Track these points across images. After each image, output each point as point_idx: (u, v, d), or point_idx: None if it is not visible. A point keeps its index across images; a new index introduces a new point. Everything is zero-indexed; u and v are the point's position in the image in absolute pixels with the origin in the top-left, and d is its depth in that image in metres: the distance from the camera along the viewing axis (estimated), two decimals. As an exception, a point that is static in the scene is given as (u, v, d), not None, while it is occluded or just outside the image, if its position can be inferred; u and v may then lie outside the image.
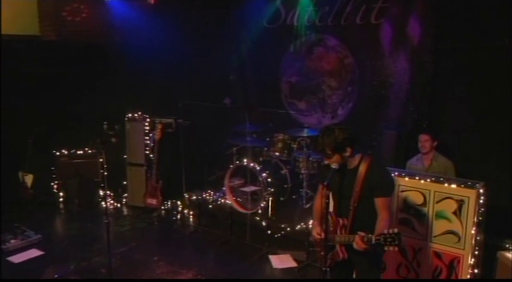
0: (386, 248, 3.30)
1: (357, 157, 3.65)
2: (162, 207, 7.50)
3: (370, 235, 3.37)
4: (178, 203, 7.53)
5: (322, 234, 3.60)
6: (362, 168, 3.58)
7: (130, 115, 7.58)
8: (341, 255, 3.71)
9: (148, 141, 7.51)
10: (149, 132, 7.51)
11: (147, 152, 7.50)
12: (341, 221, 3.70)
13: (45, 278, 5.42)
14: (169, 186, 7.50)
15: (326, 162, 3.67)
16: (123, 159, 7.59)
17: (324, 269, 3.59)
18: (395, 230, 3.28)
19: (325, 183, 3.54)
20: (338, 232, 3.70)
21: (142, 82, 7.79)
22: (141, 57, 7.47)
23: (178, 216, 7.30)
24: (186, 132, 7.42)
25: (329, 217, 3.71)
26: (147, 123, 7.53)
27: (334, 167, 3.57)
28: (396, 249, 3.28)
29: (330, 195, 3.67)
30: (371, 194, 3.57)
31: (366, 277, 3.77)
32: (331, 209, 3.82)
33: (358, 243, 3.44)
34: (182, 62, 7.79)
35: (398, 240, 3.24)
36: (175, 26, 7.75)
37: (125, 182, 7.69)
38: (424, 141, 5.78)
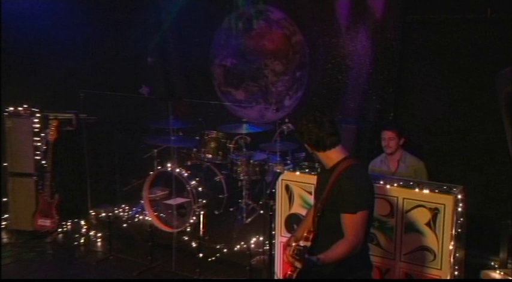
0: (295, 264, 3.32)
1: (335, 156, 3.65)
2: (59, 230, 7.31)
3: (294, 245, 3.39)
4: (82, 222, 7.38)
5: (294, 243, 3.57)
6: (336, 171, 3.60)
7: (11, 109, 7.30)
8: (288, 272, 3.67)
9: (39, 144, 7.29)
10: (40, 132, 7.29)
11: (38, 158, 7.28)
12: (306, 233, 3.70)
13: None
14: (68, 201, 7.35)
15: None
16: (1, 167, 7.34)
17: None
18: (308, 244, 3.37)
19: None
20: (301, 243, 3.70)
21: (30, 65, 7.59)
22: (28, 33, 7.33)
23: (82, 241, 7.15)
24: (90, 131, 7.30)
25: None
26: (36, 120, 7.28)
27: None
28: (299, 265, 3.29)
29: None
30: (336, 207, 3.56)
31: None
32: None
33: (284, 254, 3.47)
34: (84, 41, 7.69)
35: (299, 254, 3.27)
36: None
37: (5, 199, 7.43)
38: (389, 139, 5.81)
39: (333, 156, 3.65)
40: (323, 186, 3.66)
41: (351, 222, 3.50)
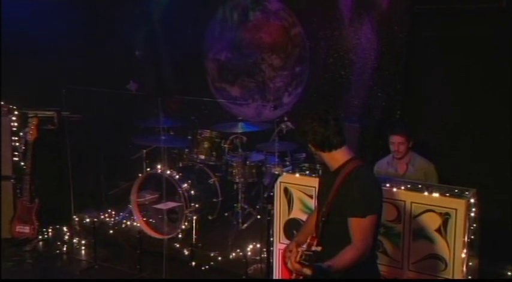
0: (303, 270, 3.29)
1: (340, 157, 3.66)
2: (40, 237, 7.26)
3: (301, 250, 3.35)
4: (64, 229, 7.36)
5: (294, 249, 3.56)
6: (342, 173, 3.61)
7: (-14, 106, 7.29)
8: (293, 276, 3.68)
9: (17, 144, 7.26)
10: (18, 131, 7.26)
11: (16, 159, 7.26)
12: (309, 238, 3.73)
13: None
14: (49, 206, 7.29)
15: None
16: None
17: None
18: (319, 248, 3.32)
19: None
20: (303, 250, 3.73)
21: (7, 59, 7.50)
22: (6, 25, 7.34)
23: (65, 249, 7.11)
24: (74, 130, 7.29)
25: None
26: (14, 118, 7.26)
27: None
28: (309, 273, 3.26)
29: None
30: (343, 211, 3.56)
31: None
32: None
33: (289, 260, 3.41)
34: (67, 33, 7.63)
35: (309, 260, 3.24)
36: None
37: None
38: (399, 144, 5.81)
39: (338, 157, 3.64)
40: (327, 189, 3.65)
41: (359, 227, 3.48)
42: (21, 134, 7.21)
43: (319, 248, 3.32)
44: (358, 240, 3.47)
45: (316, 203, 4.16)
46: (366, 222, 3.49)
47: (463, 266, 4.60)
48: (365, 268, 3.54)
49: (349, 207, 3.51)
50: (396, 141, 5.79)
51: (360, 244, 3.46)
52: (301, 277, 3.54)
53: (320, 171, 4.32)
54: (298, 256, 3.28)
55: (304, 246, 3.69)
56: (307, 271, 3.25)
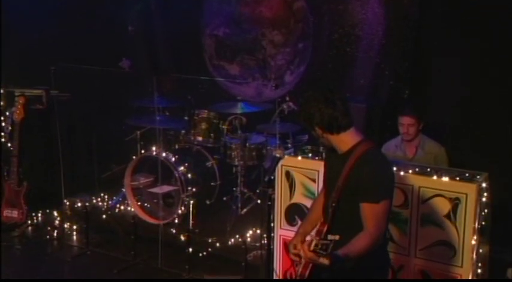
0: (320, 260, 3.31)
1: (350, 139, 3.66)
2: (29, 222, 7.30)
3: (315, 239, 3.39)
4: (55, 213, 7.38)
5: (299, 246, 3.63)
6: (353, 156, 3.60)
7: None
8: (300, 270, 3.73)
9: (3, 124, 7.31)
10: (5, 111, 7.30)
11: (2, 140, 7.32)
12: (318, 225, 3.74)
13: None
14: (39, 189, 7.34)
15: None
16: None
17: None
18: (337, 237, 3.31)
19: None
20: (311, 238, 3.73)
21: None
22: None
23: (55, 234, 7.13)
24: (63, 110, 7.27)
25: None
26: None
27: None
28: (326, 262, 3.27)
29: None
30: (354, 196, 3.57)
31: None
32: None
33: (302, 249, 3.42)
34: (56, 7, 7.60)
35: (327, 250, 3.26)
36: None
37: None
38: (408, 126, 5.82)
39: (347, 139, 3.64)
40: (336, 173, 3.66)
41: (372, 212, 3.50)
42: (7, 113, 7.25)
43: (337, 237, 3.30)
44: (371, 226, 3.48)
45: (321, 188, 4.16)
46: (379, 207, 3.49)
47: (472, 253, 4.61)
48: (376, 255, 3.55)
49: (362, 193, 3.51)
50: (406, 122, 5.80)
51: (373, 230, 3.48)
52: (304, 271, 3.63)
53: (324, 154, 4.34)
54: (313, 245, 3.29)
55: (313, 233, 3.73)
56: (325, 261, 3.25)
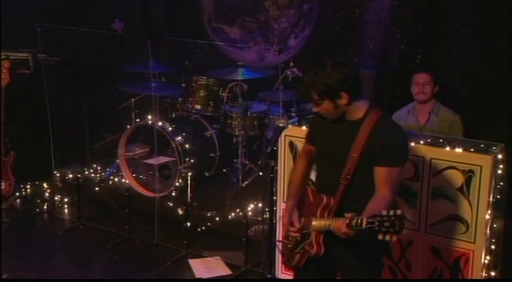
0: (380, 237, 3.33)
1: (362, 106, 3.72)
2: (17, 194, 7.35)
3: (360, 218, 3.43)
4: (45, 185, 7.46)
5: (297, 224, 3.83)
6: (367, 123, 3.66)
7: None
8: (314, 248, 3.78)
9: None
10: None
11: None
12: (325, 199, 3.77)
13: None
14: (27, 160, 7.33)
15: (315, 110, 3.79)
16: None
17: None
18: (398, 212, 3.33)
19: (310, 140, 3.93)
20: (318, 215, 3.77)
21: None
22: None
23: (45, 207, 7.21)
24: (52, 75, 7.22)
25: (309, 191, 3.95)
26: None
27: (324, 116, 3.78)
28: (395, 238, 3.33)
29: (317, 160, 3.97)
30: (373, 161, 3.64)
31: (356, 278, 3.89)
32: (313, 178, 4.10)
33: (338, 227, 3.50)
34: None
35: (399, 225, 3.29)
36: None
37: None
38: (424, 83, 5.84)
39: (360, 105, 3.71)
40: (341, 142, 3.72)
41: (388, 176, 3.61)
42: (-9, 79, 7.25)
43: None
44: (386, 190, 3.60)
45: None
46: (395, 171, 3.62)
47: (486, 228, 4.63)
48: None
49: (380, 157, 3.60)
50: (421, 80, 5.83)
51: (389, 195, 3.59)
52: (319, 249, 3.72)
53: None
54: (348, 221, 3.42)
55: (319, 211, 3.77)
56: (351, 232, 3.43)
